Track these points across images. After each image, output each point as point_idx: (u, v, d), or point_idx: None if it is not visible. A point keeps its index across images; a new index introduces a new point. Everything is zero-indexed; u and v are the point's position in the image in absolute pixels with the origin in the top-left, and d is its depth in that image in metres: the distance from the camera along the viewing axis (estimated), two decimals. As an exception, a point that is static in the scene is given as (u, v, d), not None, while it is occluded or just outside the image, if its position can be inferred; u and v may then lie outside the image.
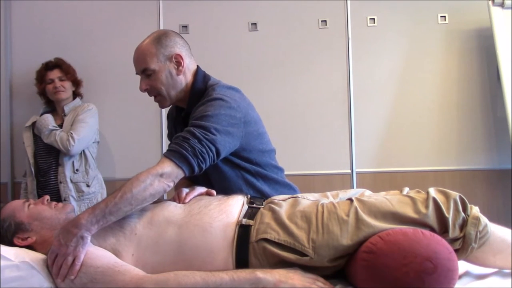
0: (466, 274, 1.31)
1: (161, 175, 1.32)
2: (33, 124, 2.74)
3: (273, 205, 1.34)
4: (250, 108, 1.61)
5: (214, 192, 1.49)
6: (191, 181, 1.70)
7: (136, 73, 1.62)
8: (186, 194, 1.43)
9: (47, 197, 1.46)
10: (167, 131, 1.91)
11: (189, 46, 1.67)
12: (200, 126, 1.42)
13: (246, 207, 1.36)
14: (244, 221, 1.30)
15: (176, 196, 1.43)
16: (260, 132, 1.64)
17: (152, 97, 1.66)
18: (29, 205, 1.41)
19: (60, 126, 2.70)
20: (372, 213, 1.24)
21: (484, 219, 1.22)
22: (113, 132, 3.06)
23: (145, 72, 1.59)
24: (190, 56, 1.65)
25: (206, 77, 1.65)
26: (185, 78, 1.62)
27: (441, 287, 1.10)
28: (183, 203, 1.40)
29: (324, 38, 3.04)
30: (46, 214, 1.39)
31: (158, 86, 1.60)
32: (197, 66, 1.69)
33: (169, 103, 1.67)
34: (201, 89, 1.61)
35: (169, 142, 1.79)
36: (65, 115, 2.76)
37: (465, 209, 1.23)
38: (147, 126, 3.07)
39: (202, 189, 1.50)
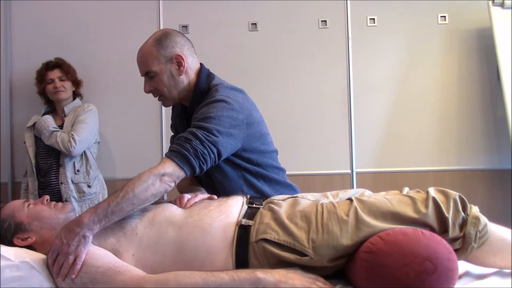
0: (466, 274, 1.31)
1: (163, 175, 1.32)
2: (35, 124, 2.74)
3: (272, 205, 1.35)
4: (253, 109, 1.61)
5: (215, 197, 1.49)
6: (194, 179, 1.70)
7: (141, 75, 1.63)
8: (188, 200, 1.43)
9: (47, 197, 1.46)
10: (170, 125, 1.90)
11: (192, 44, 1.67)
12: (202, 127, 1.43)
13: (245, 207, 1.36)
14: (244, 221, 1.30)
15: (178, 201, 1.43)
16: (263, 133, 1.64)
17: (153, 97, 1.67)
18: (28, 205, 1.41)
19: (60, 126, 2.70)
20: (372, 213, 1.24)
21: (483, 219, 1.22)
22: (113, 132, 3.06)
23: (148, 75, 1.60)
24: (192, 54, 1.65)
25: (210, 77, 1.65)
26: (188, 77, 1.62)
27: (441, 287, 1.10)
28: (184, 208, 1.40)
29: (324, 38, 3.04)
30: (45, 214, 1.39)
31: (161, 87, 1.61)
32: (201, 64, 1.69)
33: (172, 103, 1.68)
34: (204, 88, 1.61)
35: (169, 140, 1.80)
36: (65, 116, 2.76)
37: (464, 208, 1.23)
38: (147, 126, 3.07)
39: (204, 195, 1.49)
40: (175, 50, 1.59)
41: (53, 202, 1.44)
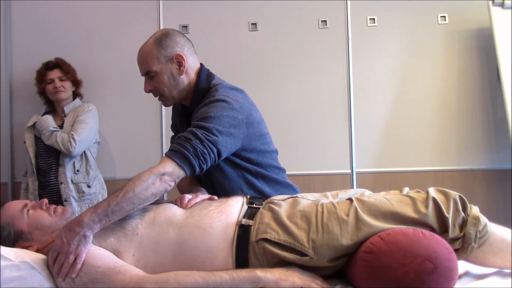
0: (466, 274, 1.31)
1: (163, 175, 1.32)
2: (35, 124, 2.74)
3: (272, 205, 1.35)
4: (253, 109, 1.61)
5: (216, 198, 1.49)
6: (194, 179, 1.71)
7: (141, 75, 1.63)
8: (189, 200, 1.43)
9: (46, 200, 1.44)
10: (170, 125, 1.91)
11: (192, 44, 1.67)
12: (202, 127, 1.43)
13: (245, 207, 1.37)
14: (244, 221, 1.30)
15: (178, 201, 1.43)
16: (263, 133, 1.64)
17: (153, 97, 1.68)
18: (27, 211, 1.39)
19: (60, 126, 2.70)
20: (372, 213, 1.24)
21: (483, 219, 1.22)
22: (113, 132, 3.06)
23: (148, 74, 1.60)
24: (192, 54, 1.65)
25: (210, 76, 1.66)
26: (188, 77, 1.63)
27: (441, 287, 1.10)
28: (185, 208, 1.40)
29: (324, 38, 3.04)
30: (46, 223, 1.38)
31: (161, 87, 1.61)
32: (201, 64, 1.69)
33: (172, 103, 1.68)
34: (204, 88, 1.61)
35: (169, 139, 1.80)
36: (65, 116, 2.76)
37: (464, 208, 1.23)
38: (147, 126, 3.07)
39: (205, 196, 1.49)
40: (176, 50, 1.59)
41: (53, 206, 1.42)
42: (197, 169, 1.38)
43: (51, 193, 2.64)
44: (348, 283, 1.25)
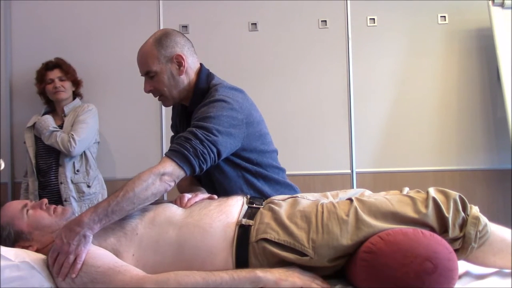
0: (466, 274, 1.31)
1: (163, 175, 1.33)
2: (35, 124, 2.74)
3: (272, 205, 1.35)
4: (253, 108, 1.61)
5: (215, 197, 1.49)
6: (194, 179, 1.71)
7: (141, 75, 1.63)
8: (188, 199, 1.43)
9: (45, 200, 1.44)
10: (170, 125, 1.91)
11: (192, 44, 1.67)
12: (202, 127, 1.43)
13: (245, 207, 1.37)
14: (244, 221, 1.30)
15: (178, 201, 1.43)
16: (262, 133, 1.64)
17: (153, 97, 1.68)
18: (27, 211, 1.39)
19: (60, 126, 2.70)
20: (372, 213, 1.24)
21: (483, 219, 1.22)
22: (113, 132, 3.06)
23: (148, 74, 1.60)
24: (192, 54, 1.65)
25: (209, 76, 1.66)
26: (188, 77, 1.63)
27: (441, 287, 1.10)
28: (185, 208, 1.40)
29: (324, 38, 3.04)
30: (46, 223, 1.38)
31: (161, 87, 1.61)
32: (201, 64, 1.69)
33: (172, 103, 1.68)
34: (204, 88, 1.61)
35: (169, 139, 1.81)
36: (65, 116, 2.76)
37: (465, 208, 1.22)
38: (147, 126, 3.07)
39: (204, 195, 1.50)
40: (175, 50, 1.60)
41: (53, 206, 1.43)
42: (197, 169, 1.38)
43: (51, 193, 2.64)
44: (348, 283, 1.25)
